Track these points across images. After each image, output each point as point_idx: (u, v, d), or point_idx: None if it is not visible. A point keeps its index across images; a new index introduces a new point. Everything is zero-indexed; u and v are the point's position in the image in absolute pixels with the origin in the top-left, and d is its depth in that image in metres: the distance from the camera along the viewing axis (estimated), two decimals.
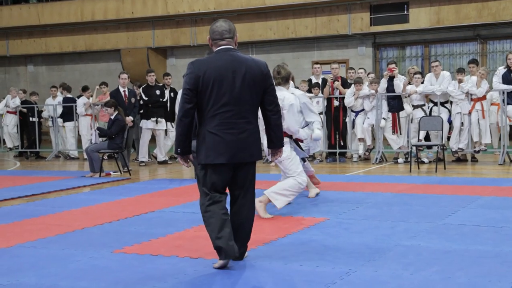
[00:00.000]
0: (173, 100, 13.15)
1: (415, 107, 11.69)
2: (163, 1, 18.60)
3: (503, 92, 10.95)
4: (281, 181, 6.90)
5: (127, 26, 19.57)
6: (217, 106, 4.45)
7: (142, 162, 12.61)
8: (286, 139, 6.50)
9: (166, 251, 5.13)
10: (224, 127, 4.45)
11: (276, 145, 4.77)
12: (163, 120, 12.73)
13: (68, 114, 14.60)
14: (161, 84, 13.48)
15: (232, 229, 4.54)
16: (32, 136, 15.18)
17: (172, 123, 13.16)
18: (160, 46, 19.56)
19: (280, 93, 6.37)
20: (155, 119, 12.51)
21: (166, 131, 13.01)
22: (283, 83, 6.94)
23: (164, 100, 12.85)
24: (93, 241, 5.58)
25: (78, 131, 14.49)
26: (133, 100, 11.97)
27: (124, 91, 11.96)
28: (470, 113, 11.26)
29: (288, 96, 6.76)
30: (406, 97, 11.69)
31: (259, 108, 4.66)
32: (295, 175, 6.72)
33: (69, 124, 14.63)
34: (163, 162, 12.75)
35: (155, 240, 5.56)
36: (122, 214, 6.88)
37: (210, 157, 4.47)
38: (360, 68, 13.41)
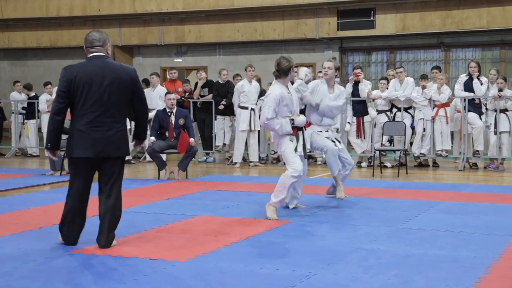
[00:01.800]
0: None
1: (379, 112, 11.81)
2: None
3: (465, 100, 11.14)
4: None
5: (93, 23, 19.32)
6: (86, 107, 5.03)
7: None
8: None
9: (125, 252, 5.07)
10: (92, 125, 5.03)
11: (140, 137, 5.56)
12: (128, 120, 12.59)
13: (31, 112, 14.41)
14: None
15: (100, 218, 5.20)
16: None
17: None
18: (127, 45, 19.38)
19: (270, 89, 6.55)
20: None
21: (130, 130, 12.89)
22: (281, 76, 6.55)
23: None
24: (51, 241, 5.47)
25: (40, 129, 14.29)
26: None
27: None
28: (433, 119, 11.42)
29: (272, 91, 6.52)
30: (370, 102, 11.81)
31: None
32: (287, 166, 6.58)
33: (31, 122, 14.44)
34: (126, 162, 12.62)
35: (114, 241, 5.49)
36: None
37: (78, 151, 5.06)
38: (319, 72, 13.42)
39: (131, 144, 5.88)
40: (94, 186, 5.33)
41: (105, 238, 5.16)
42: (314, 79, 7.02)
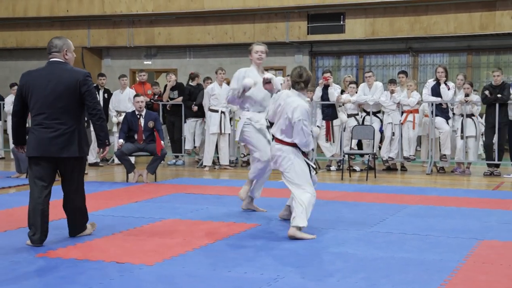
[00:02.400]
0: (106, 101, 12.94)
1: (348, 116, 11.89)
2: (99, 0, 18.28)
3: (432, 104, 11.28)
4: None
5: (61, 24, 19.09)
6: (35, 109, 5.38)
7: None
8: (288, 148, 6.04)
9: (92, 256, 5.02)
10: (39, 127, 5.35)
11: (100, 144, 5.62)
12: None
13: None
14: (94, 84, 13.22)
15: (66, 215, 5.67)
16: None
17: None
18: (96, 46, 19.20)
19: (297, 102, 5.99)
20: (87, 120, 12.23)
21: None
22: (306, 87, 6.18)
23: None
24: (15, 245, 5.39)
25: (6, 130, 14.07)
26: None
27: None
28: (402, 124, 11.54)
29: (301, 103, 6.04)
30: (340, 106, 11.88)
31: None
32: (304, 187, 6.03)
33: None
34: (94, 164, 12.50)
35: (81, 244, 5.44)
36: (54, 216, 6.68)
37: (29, 151, 5.41)
38: (288, 76, 13.45)
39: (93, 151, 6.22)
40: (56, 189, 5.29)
41: (72, 232, 5.70)
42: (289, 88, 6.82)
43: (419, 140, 12.15)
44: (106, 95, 13.06)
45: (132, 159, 10.55)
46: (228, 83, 12.56)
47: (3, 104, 13.88)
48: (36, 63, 19.98)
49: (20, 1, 18.95)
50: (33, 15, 18.85)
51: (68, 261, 4.88)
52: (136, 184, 9.68)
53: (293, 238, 5.68)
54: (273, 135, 6.31)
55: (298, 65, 6.47)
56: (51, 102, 5.33)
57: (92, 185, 9.53)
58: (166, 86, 13.37)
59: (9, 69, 20.34)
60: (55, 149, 5.34)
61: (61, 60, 5.50)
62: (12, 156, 11.20)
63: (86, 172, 8.92)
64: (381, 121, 11.86)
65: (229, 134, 12.22)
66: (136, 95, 10.56)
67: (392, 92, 11.54)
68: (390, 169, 11.89)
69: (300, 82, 6.09)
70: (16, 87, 13.73)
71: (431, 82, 11.56)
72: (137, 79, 14.26)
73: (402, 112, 11.59)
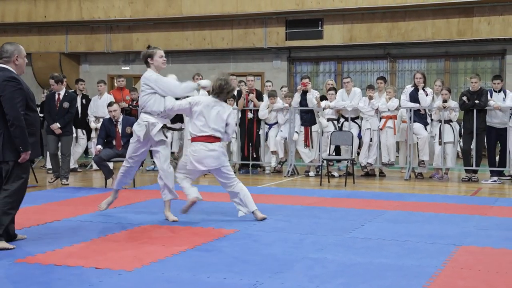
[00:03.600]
0: (84, 106, 12.86)
1: (327, 120, 11.93)
2: (77, 6, 18.18)
3: (410, 110, 11.37)
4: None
5: (39, 29, 18.97)
6: None
7: (50, 169, 12.22)
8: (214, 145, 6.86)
9: (71, 261, 4.98)
10: None
11: (18, 149, 5.46)
12: (72, 127, 12.38)
13: None
14: (72, 90, 13.12)
15: None
16: None
17: (83, 130, 12.86)
18: (74, 52, 19.09)
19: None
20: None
21: (76, 138, 12.68)
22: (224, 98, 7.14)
23: (75, 106, 12.49)
24: None
25: None
26: (65, 105, 10.63)
27: (58, 94, 10.73)
28: (381, 129, 11.60)
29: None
30: (321, 111, 11.88)
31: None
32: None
33: None
34: (72, 170, 12.39)
35: (60, 250, 5.40)
36: (26, 222, 6.63)
37: None
38: (267, 81, 13.51)
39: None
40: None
41: None
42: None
43: (397, 146, 12.22)
44: (84, 100, 12.98)
45: (111, 165, 10.49)
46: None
47: None
48: None
49: None
50: (10, 20, 18.71)
51: (47, 266, 4.84)
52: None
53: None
54: (197, 135, 6.87)
55: (220, 77, 7.05)
56: None
57: (70, 191, 9.47)
58: None
59: None
60: None
61: (4, 66, 5.55)
62: None
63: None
64: (360, 126, 11.92)
65: None
66: (109, 104, 10.50)
67: (370, 98, 11.61)
68: (369, 175, 11.96)
69: (220, 94, 6.96)
70: None
71: (409, 88, 11.64)
72: (116, 84, 14.19)
73: (381, 118, 11.66)
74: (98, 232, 6.21)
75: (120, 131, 10.10)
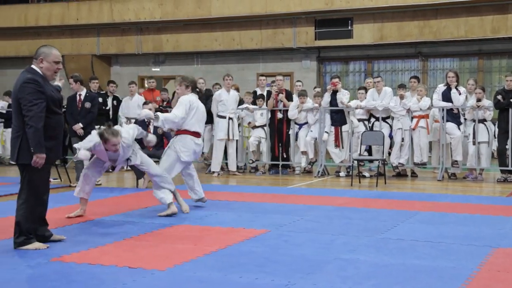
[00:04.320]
0: (116, 108, 12.99)
1: (358, 121, 11.86)
2: (108, 8, 18.38)
3: (443, 109, 11.22)
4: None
5: (71, 32, 19.24)
6: None
7: None
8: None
9: (104, 260, 5.03)
10: None
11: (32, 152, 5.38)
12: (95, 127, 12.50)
13: (10, 120, 14.26)
14: (103, 92, 13.28)
15: None
16: None
17: None
18: (105, 54, 19.30)
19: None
20: (98, 127, 12.23)
21: None
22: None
23: (107, 108, 12.65)
24: (29, 250, 5.41)
25: None
26: (87, 105, 10.47)
27: (79, 95, 10.60)
28: (414, 129, 11.47)
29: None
30: (352, 111, 11.79)
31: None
32: None
33: (9, 130, 14.29)
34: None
35: (94, 249, 5.45)
36: (60, 222, 6.72)
37: None
38: (297, 81, 13.47)
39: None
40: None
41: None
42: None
43: (429, 146, 12.06)
44: (115, 101, 13.11)
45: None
46: (236, 90, 12.62)
47: None
48: None
49: (31, 10, 19.16)
50: (44, 24, 19.04)
51: (82, 265, 4.89)
52: (146, 190, 9.69)
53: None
54: (197, 132, 7.72)
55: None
56: (12, 107, 5.55)
57: (103, 191, 9.55)
58: (174, 92, 13.37)
59: None
60: (11, 155, 5.59)
61: (33, 66, 5.58)
62: None
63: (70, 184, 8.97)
64: (390, 126, 11.81)
65: (237, 140, 12.22)
66: (144, 103, 10.59)
67: (401, 97, 11.49)
68: (400, 175, 11.84)
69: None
70: None
71: (441, 87, 11.48)
72: (146, 86, 14.31)
73: (412, 118, 11.53)
74: (131, 231, 6.26)
75: (152, 131, 10.16)
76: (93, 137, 6.78)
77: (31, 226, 5.47)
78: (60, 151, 5.80)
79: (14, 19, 19.28)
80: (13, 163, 14.07)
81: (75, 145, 6.83)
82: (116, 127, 7.20)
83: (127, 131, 6.98)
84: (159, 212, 7.32)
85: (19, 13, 19.26)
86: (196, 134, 7.74)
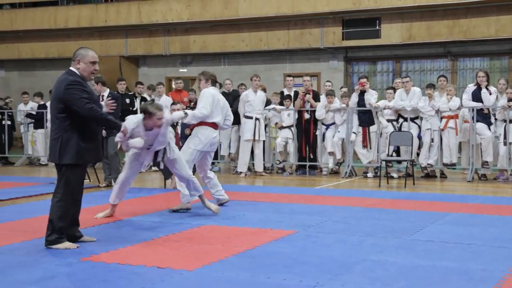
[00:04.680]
0: None
1: (386, 121, 11.77)
2: (136, 10, 18.53)
3: (473, 110, 11.09)
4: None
5: (100, 34, 19.44)
6: None
7: None
8: None
9: (133, 260, 5.06)
10: None
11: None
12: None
13: (40, 121, 14.49)
14: (131, 93, 13.38)
15: None
16: (2, 141, 15.07)
17: None
18: (133, 55, 19.45)
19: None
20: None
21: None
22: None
23: (134, 109, 12.74)
24: (60, 249, 5.48)
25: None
26: None
27: (102, 96, 10.32)
28: (443, 130, 11.35)
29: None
30: (381, 111, 11.71)
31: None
32: None
33: (39, 131, 14.51)
34: None
35: (122, 249, 5.49)
36: (89, 222, 6.78)
37: None
38: (327, 81, 13.44)
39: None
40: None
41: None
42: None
43: (459, 146, 11.92)
44: (143, 102, 13.18)
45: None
46: (263, 90, 12.62)
47: (46, 112, 14.13)
48: None
49: (61, 12, 19.41)
50: (73, 26, 19.27)
51: (111, 265, 4.94)
52: (173, 190, 9.72)
53: None
54: (215, 123, 7.84)
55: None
56: (51, 108, 5.68)
57: (131, 191, 9.58)
58: None
59: (50, 79, 20.66)
60: (49, 155, 5.66)
61: (71, 68, 5.66)
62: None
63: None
64: (419, 127, 11.69)
65: (263, 140, 12.22)
66: (172, 103, 10.63)
67: (429, 96, 11.36)
68: (429, 176, 11.73)
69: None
70: None
71: (471, 87, 11.35)
72: (173, 86, 14.39)
73: (442, 118, 11.41)
74: (159, 232, 6.29)
75: (179, 132, 10.21)
76: (132, 119, 6.74)
77: (64, 225, 5.55)
78: (99, 154, 5.85)
79: (44, 21, 19.55)
80: (43, 163, 14.42)
81: (117, 139, 6.82)
82: None
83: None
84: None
85: (48, 15, 19.53)
86: (215, 126, 7.86)
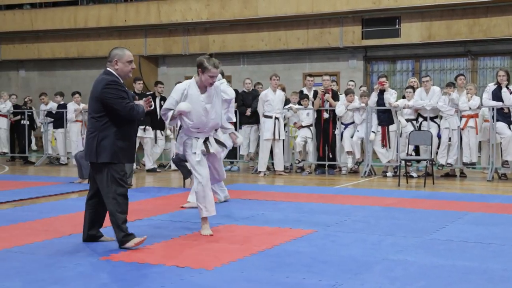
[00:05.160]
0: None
1: (406, 121, 11.72)
2: (156, 9, 18.62)
3: (493, 109, 11.01)
4: None
5: (119, 33, 19.57)
6: None
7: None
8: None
9: (153, 260, 5.10)
10: None
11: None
12: (150, 128, 12.71)
13: (60, 120, 14.61)
14: (150, 92, 13.45)
15: None
16: (22, 140, 15.24)
17: (162, 131, 13.13)
18: (152, 54, 19.56)
19: None
20: (143, 127, 12.46)
21: (155, 139, 12.98)
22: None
23: (152, 108, 12.81)
24: (80, 248, 5.55)
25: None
26: None
27: None
28: (463, 129, 11.28)
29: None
30: (400, 110, 11.66)
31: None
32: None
33: (59, 131, 14.63)
34: (152, 170, 12.71)
35: (142, 248, 5.53)
36: (109, 221, 6.82)
37: None
38: (350, 81, 13.46)
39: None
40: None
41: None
42: None
43: (479, 145, 11.85)
44: (162, 102, 13.24)
45: (189, 164, 10.63)
46: (282, 90, 12.63)
47: (65, 112, 14.27)
48: (96, 72, 20.42)
49: (80, 12, 19.56)
50: (93, 25, 19.42)
51: (130, 264, 4.97)
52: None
53: None
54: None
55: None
56: (88, 108, 5.79)
57: (151, 191, 9.69)
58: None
59: (70, 78, 20.93)
60: (87, 155, 5.70)
61: (108, 69, 5.70)
62: (74, 163, 11.47)
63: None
64: (439, 126, 11.63)
65: (283, 140, 12.23)
66: None
67: (445, 93, 11.29)
68: (449, 175, 11.66)
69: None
70: (77, 95, 14.26)
71: (491, 86, 11.27)
72: None
73: (461, 117, 11.34)
74: (178, 231, 6.33)
75: None
76: (179, 86, 6.46)
77: (125, 218, 5.59)
78: (133, 154, 5.85)
79: (64, 21, 19.72)
80: (63, 163, 14.55)
81: (168, 125, 6.71)
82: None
83: None
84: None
85: (68, 15, 19.69)
86: None
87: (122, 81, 5.71)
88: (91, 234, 5.78)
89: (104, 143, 5.53)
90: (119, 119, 5.57)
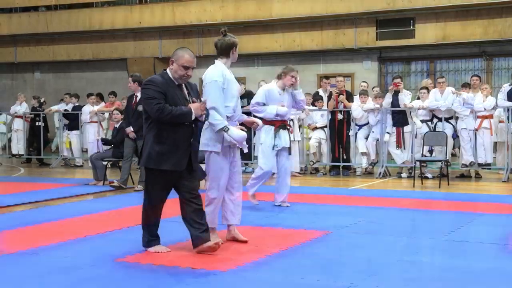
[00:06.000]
0: None
1: (421, 122, 11.69)
2: (171, 11, 18.68)
3: (508, 109, 10.94)
4: None
5: (134, 35, 19.64)
6: None
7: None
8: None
9: (168, 261, 5.12)
10: None
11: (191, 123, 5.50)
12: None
13: (74, 122, 14.70)
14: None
15: None
16: (35, 142, 15.35)
17: None
18: (167, 56, 19.58)
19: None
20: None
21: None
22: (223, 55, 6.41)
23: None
24: (95, 249, 5.58)
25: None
26: (140, 108, 9.61)
27: (136, 96, 10.15)
28: (477, 130, 11.23)
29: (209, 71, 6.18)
30: (415, 111, 11.62)
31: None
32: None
33: (74, 133, 14.71)
34: None
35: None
36: (124, 222, 6.88)
37: None
38: (363, 82, 13.42)
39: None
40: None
41: None
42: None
43: (494, 146, 11.78)
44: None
45: (203, 166, 10.66)
46: None
47: (81, 113, 14.36)
48: (111, 74, 20.66)
49: (95, 14, 19.65)
50: (107, 27, 19.48)
51: (145, 266, 4.99)
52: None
53: None
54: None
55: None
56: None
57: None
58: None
59: (85, 80, 21.05)
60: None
61: (166, 69, 5.59)
62: (89, 164, 11.53)
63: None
64: (454, 127, 11.59)
65: (298, 141, 12.22)
66: None
67: (454, 93, 11.25)
68: (464, 176, 11.60)
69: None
70: (93, 97, 14.35)
71: (507, 87, 11.22)
72: None
73: (476, 118, 11.28)
74: None
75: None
76: (260, 91, 6.80)
77: (149, 227, 5.53)
78: (179, 161, 5.37)
79: (79, 23, 19.81)
80: (78, 164, 14.64)
81: (211, 120, 6.06)
82: None
83: None
84: None
85: (83, 17, 19.79)
86: None
87: (177, 83, 5.42)
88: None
89: (146, 147, 5.36)
90: (157, 121, 5.26)
